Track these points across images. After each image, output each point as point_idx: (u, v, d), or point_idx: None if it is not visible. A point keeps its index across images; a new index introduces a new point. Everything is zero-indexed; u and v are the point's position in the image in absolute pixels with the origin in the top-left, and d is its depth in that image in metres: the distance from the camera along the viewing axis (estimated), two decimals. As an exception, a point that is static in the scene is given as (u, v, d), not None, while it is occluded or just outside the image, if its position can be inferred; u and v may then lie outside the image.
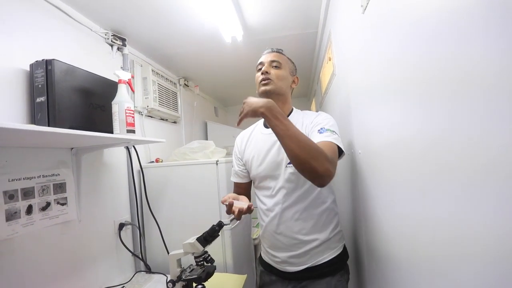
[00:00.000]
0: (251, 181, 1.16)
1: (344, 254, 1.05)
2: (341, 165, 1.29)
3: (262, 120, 1.14)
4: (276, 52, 1.09)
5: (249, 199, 1.14)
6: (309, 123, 0.99)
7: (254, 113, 0.83)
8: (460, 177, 0.39)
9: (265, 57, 1.07)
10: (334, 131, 0.92)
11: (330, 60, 1.52)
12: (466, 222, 0.38)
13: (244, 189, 1.16)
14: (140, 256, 1.59)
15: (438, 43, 0.42)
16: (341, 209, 1.43)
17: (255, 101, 0.84)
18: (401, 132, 0.60)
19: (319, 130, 0.92)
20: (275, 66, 1.04)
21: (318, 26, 1.70)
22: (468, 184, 0.37)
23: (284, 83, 1.05)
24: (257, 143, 1.09)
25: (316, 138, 0.88)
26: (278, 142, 1.00)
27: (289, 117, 1.06)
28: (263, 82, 1.02)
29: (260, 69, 1.06)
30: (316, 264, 0.98)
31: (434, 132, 0.45)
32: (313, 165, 0.74)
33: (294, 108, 1.12)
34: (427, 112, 0.47)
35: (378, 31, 0.69)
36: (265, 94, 1.02)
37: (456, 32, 0.37)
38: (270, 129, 1.05)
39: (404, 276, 0.64)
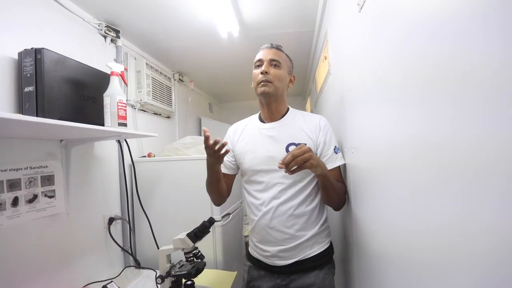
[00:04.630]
0: (235, 175, 1.17)
1: (331, 249, 1.07)
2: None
3: (257, 114, 1.15)
4: (276, 49, 1.06)
5: (229, 191, 1.16)
6: (316, 129, 1.04)
7: (315, 172, 0.91)
8: (453, 178, 0.39)
9: (265, 54, 1.04)
10: (339, 147, 1.05)
11: (326, 59, 1.52)
12: (458, 223, 0.38)
13: (228, 180, 1.16)
14: (130, 251, 1.58)
15: (434, 43, 0.42)
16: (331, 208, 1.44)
17: (319, 163, 0.91)
18: (395, 131, 0.60)
19: (335, 150, 1.02)
20: (275, 65, 1.03)
21: (314, 24, 1.70)
22: (461, 185, 0.37)
23: (282, 84, 1.05)
24: (253, 136, 1.09)
25: (336, 162, 1.02)
26: (276, 137, 1.04)
27: (286, 117, 1.08)
28: (263, 83, 1.01)
29: (259, 65, 1.04)
30: (305, 257, 1.00)
31: (428, 132, 0.45)
32: (340, 203, 1.04)
33: (289, 107, 1.13)
34: (422, 113, 0.47)
35: (374, 30, 0.69)
36: (263, 96, 1.03)
37: (453, 31, 0.37)
38: (267, 124, 1.08)
39: (394, 276, 0.65)
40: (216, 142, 0.89)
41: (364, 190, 0.87)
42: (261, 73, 1.01)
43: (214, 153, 0.92)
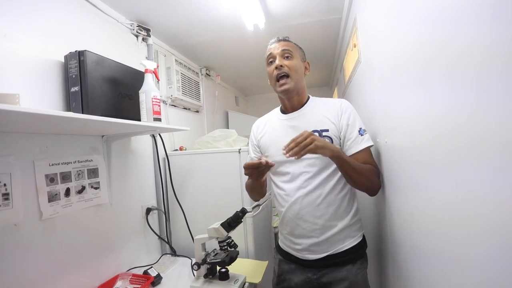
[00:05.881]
0: None
1: (363, 243, 1.05)
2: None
3: (279, 107, 1.15)
4: (283, 40, 1.05)
5: (266, 185, 1.18)
6: (338, 113, 1.00)
7: (324, 154, 0.86)
8: (496, 162, 0.37)
9: (274, 48, 1.03)
10: (365, 129, 0.99)
11: (355, 46, 1.47)
12: (504, 212, 0.37)
13: None
14: (166, 240, 1.67)
15: (471, 25, 0.40)
16: (362, 200, 1.41)
17: (325, 145, 0.86)
18: (430, 118, 0.58)
19: (359, 132, 0.97)
20: (287, 57, 1.01)
21: (342, 11, 1.64)
22: (506, 169, 0.36)
23: (299, 74, 1.03)
24: (275, 129, 1.10)
25: (362, 143, 0.96)
26: (298, 127, 1.03)
27: (306, 105, 1.07)
28: (282, 81, 1.00)
29: (272, 61, 1.03)
30: (337, 251, 0.99)
31: (463, 115, 0.44)
32: (370, 185, 0.95)
33: (310, 96, 1.11)
34: (456, 97, 0.46)
35: (409, 15, 0.66)
36: (285, 93, 1.02)
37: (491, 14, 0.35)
38: (287, 115, 1.08)
39: (435, 271, 0.63)
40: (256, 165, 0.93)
41: (399, 181, 0.85)
42: (276, 67, 1.00)
43: (252, 174, 0.97)
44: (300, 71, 1.04)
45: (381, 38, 0.92)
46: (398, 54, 0.76)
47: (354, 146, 0.97)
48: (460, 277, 0.51)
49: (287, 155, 0.83)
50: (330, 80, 3.31)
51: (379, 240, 1.16)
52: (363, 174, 0.92)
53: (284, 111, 1.10)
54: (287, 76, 1.00)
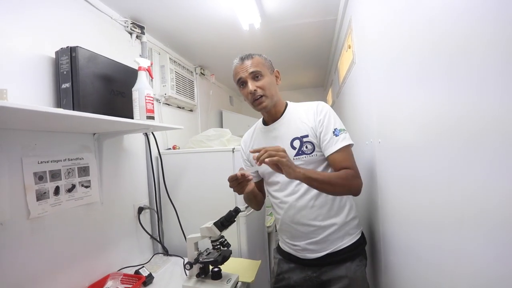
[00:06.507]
0: (262, 179, 1.19)
1: (362, 240, 1.07)
2: (359, 155, 1.27)
3: (261, 119, 1.17)
4: (247, 59, 1.03)
5: (264, 195, 1.20)
6: (315, 116, 1.01)
7: (287, 173, 0.85)
8: (495, 161, 0.37)
9: (242, 71, 1.01)
10: (343, 129, 0.98)
11: (349, 48, 1.48)
12: (496, 215, 0.37)
13: (258, 186, 1.20)
14: (158, 239, 1.66)
15: (468, 25, 0.40)
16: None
17: (292, 166, 0.85)
18: (427, 117, 0.58)
19: (334, 132, 0.97)
20: (257, 77, 1.00)
21: (337, 13, 1.66)
22: (499, 169, 0.36)
23: (274, 89, 1.03)
24: (260, 140, 1.12)
25: (336, 144, 0.95)
26: (279, 136, 1.05)
27: (285, 114, 1.08)
28: (258, 101, 1.00)
29: (242, 83, 1.03)
30: (336, 249, 1.00)
31: (460, 113, 0.44)
32: (349, 191, 0.96)
33: (288, 102, 1.12)
34: (454, 95, 0.46)
35: (406, 16, 0.67)
36: (264, 110, 1.04)
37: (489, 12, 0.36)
38: (269, 126, 1.10)
39: (425, 268, 0.64)
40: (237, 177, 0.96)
41: (391, 181, 0.85)
42: (250, 93, 1.00)
43: (234, 187, 0.98)
44: (273, 85, 1.04)
45: (377, 38, 0.93)
46: (395, 53, 0.76)
47: (329, 147, 0.97)
48: (453, 274, 0.52)
49: (257, 162, 0.84)
50: (325, 81, 3.33)
51: (372, 238, 1.17)
52: (338, 185, 0.91)
53: (266, 122, 1.12)
54: (262, 95, 1.00)
